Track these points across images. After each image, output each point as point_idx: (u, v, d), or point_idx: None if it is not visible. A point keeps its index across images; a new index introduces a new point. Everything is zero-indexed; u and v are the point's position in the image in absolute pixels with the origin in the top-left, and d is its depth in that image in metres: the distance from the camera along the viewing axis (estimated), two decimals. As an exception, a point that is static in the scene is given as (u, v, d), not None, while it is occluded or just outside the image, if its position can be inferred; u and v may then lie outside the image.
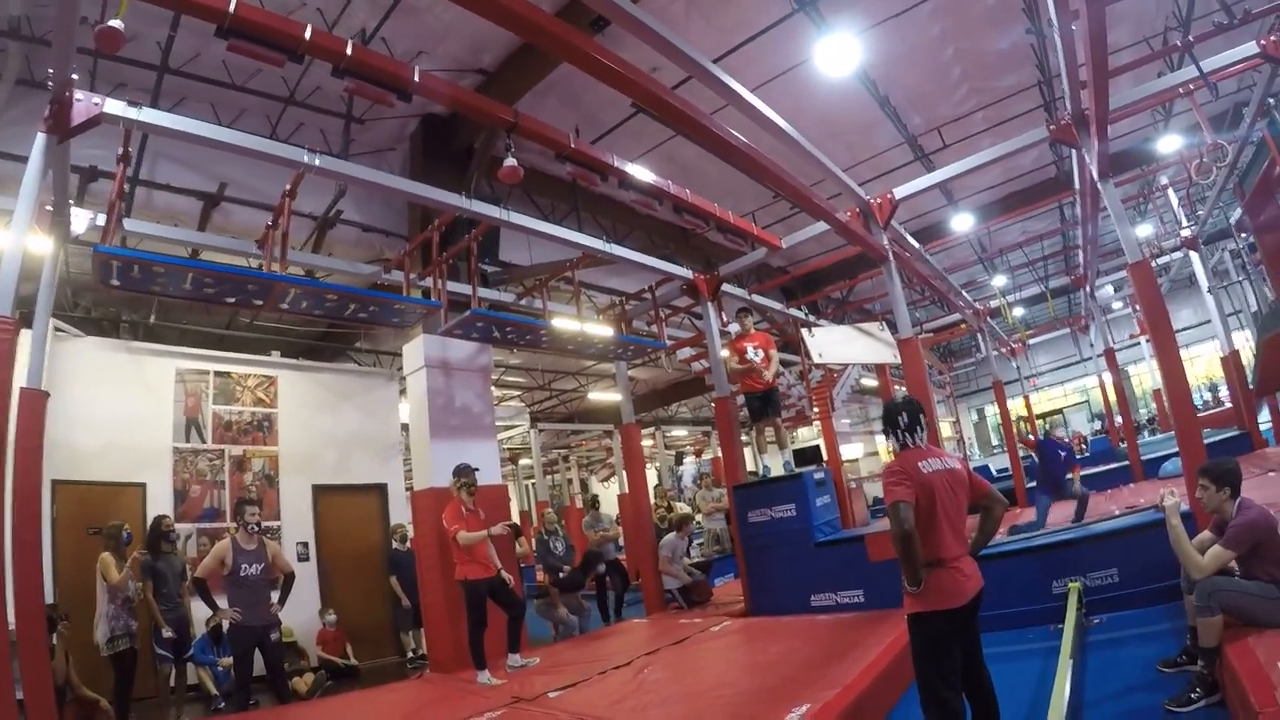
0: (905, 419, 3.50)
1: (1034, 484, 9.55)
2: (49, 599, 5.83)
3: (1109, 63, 5.29)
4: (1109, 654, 5.05)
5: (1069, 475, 8.59)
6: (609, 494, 21.83)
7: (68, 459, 7.64)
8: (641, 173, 6.89)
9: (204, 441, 9.10)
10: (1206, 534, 4.24)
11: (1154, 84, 7.20)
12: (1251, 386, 11.45)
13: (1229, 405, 14.25)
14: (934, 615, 3.21)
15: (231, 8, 4.20)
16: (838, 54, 8.48)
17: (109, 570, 6.45)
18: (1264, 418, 12.27)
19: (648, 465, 20.49)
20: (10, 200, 4.72)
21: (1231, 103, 10.94)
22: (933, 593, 3.20)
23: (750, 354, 8.28)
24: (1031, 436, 12.15)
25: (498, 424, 10.55)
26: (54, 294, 5.78)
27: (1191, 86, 6.95)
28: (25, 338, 4.78)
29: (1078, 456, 9.23)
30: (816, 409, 14.16)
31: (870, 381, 16.97)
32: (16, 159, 6.31)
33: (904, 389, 9.62)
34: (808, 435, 18.96)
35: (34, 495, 4.74)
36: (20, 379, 4.75)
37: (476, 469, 6.83)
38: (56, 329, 7.80)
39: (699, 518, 13.11)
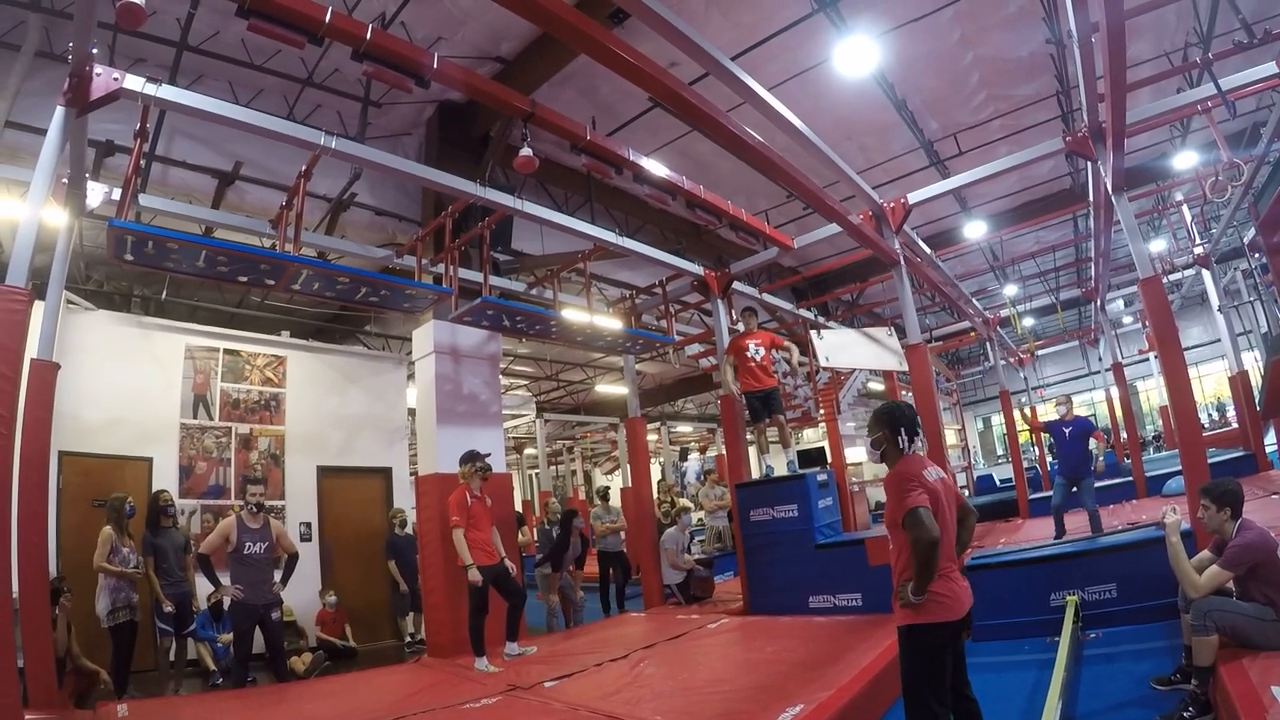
0: (910, 420, 3.42)
1: (1036, 496, 9.51)
2: (53, 570, 5.87)
3: (1128, 76, 5.27)
4: (1103, 669, 5.06)
5: (1094, 447, 8.40)
6: (612, 487, 21.87)
7: (75, 431, 7.69)
8: (656, 167, 6.88)
9: (211, 419, 9.15)
10: (1206, 553, 4.23)
11: (1172, 100, 7.16)
12: (1259, 408, 11.38)
13: (1235, 426, 14.15)
14: (933, 627, 3.14)
15: (253, -12, 4.21)
16: (856, 56, 8.45)
17: (100, 548, 6.51)
18: (1270, 440, 12.20)
19: (652, 460, 20.49)
20: (28, 172, 4.76)
21: (1250, 122, 10.85)
22: (933, 605, 3.13)
23: (751, 351, 8.25)
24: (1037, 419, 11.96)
25: (504, 412, 10.57)
26: (67, 266, 5.84)
27: (1210, 104, 6.90)
28: (38, 309, 4.80)
29: (1098, 461, 8.93)
30: (822, 411, 14.14)
31: (877, 385, 16.93)
32: (35, 131, 6.34)
33: (910, 394, 9.62)
34: (812, 437, 18.97)
35: (41, 465, 4.79)
36: (31, 350, 4.80)
37: (488, 454, 6.87)
38: (69, 301, 7.85)
39: (701, 514, 13.14)
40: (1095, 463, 8.43)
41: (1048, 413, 9.26)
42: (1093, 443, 8.45)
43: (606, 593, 10.05)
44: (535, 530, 12.01)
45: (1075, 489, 8.29)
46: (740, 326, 8.72)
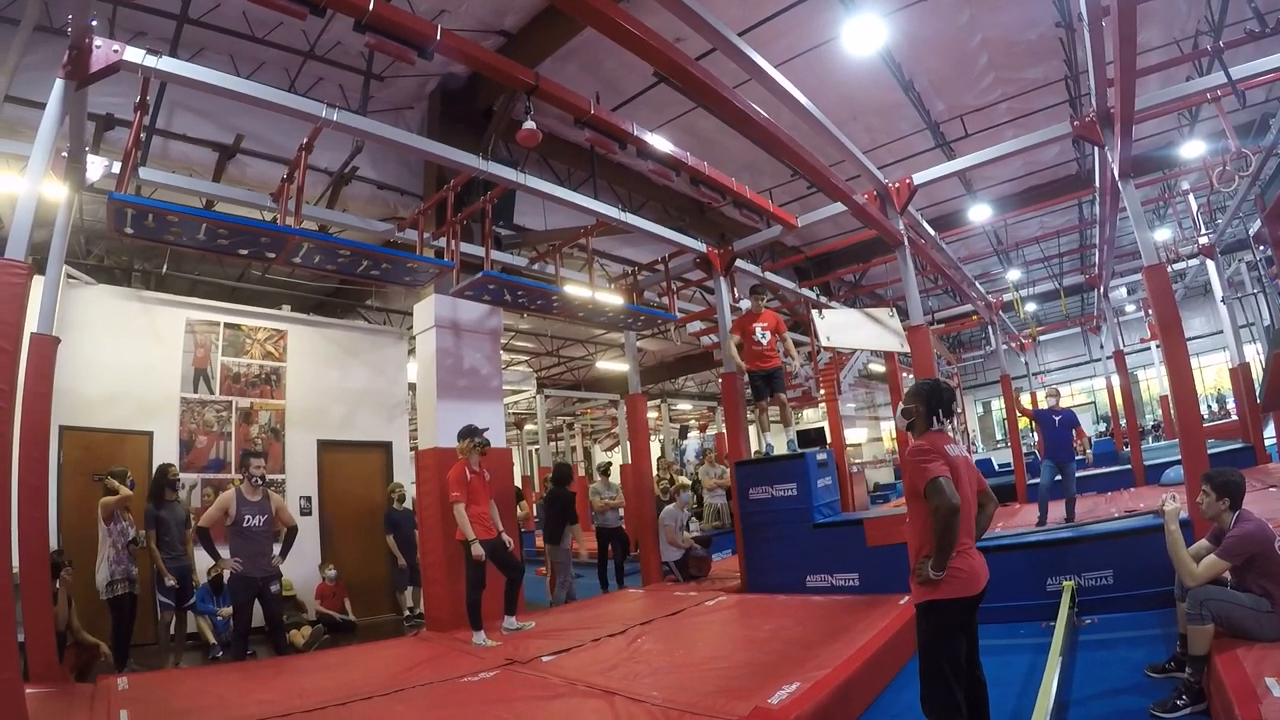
0: (946, 403, 3.48)
1: (1035, 481, 9.62)
2: (53, 544, 5.91)
3: (1137, 62, 5.21)
4: (1098, 655, 5.08)
5: (1074, 441, 8.86)
6: (613, 464, 21.91)
7: (75, 406, 7.71)
8: (660, 142, 6.85)
9: (212, 393, 9.15)
10: (1203, 543, 4.24)
11: (1181, 87, 7.10)
12: (1259, 400, 11.38)
13: (1235, 417, 14.16)
14: (950, 603, 3.18)
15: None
16: (864, 35, 8.34)
17: (107, 502, 6.55)
18: (1269, 432, 12.20)
19: (652, 437, 20.53)
20: (27, 146, 4.73)
21: (1259, 112, 10.76)
22: (951, 580, 3.16)
23: (758, 334, 8.24)
24: (1030, 407, 12.34)
25: (504, 388, 10.58)
26: (67, 241, 5.82)
27: (1219, 93, 6.84)
28: (38, 283, 4.78)
29: (1085, 454, 9.38)
30: (823, 391, 14.15)
31: (878, 367, 16.93)
32: (34, 105, 6.28)
33: (912, 377, 9.64)
34: (812, 417, 19.00)
35: (42, 440, 4.80)
36: (32, 324, 4.79)
37: (486, 428, 6.88)
38: (69, 276, 7.84)
39: (704, 494, 13.18)
40: (1081, 454, 8.85)
41: (1046, 400, 9.61)
42: (1074, 437, 8.99)
43: (605, 569, 10.10)
44: (534, 505, 12.03)
45: (1059, 475, 8.75)
46: (744, 305, 8.69)
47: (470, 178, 6.93)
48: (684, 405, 26.12)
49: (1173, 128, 11.80)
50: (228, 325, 9.45)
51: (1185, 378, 6.04)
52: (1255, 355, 13.28)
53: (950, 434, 3.50)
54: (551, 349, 19.42)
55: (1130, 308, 20.38)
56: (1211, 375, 22.69)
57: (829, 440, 12.85)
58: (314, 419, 9.95)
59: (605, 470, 11.07)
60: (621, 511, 10.27)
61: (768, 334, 8.23)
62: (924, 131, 11.29)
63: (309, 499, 9.64)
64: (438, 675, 5.23)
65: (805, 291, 13.17)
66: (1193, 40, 8.97)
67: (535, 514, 11.27)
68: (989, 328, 16.18)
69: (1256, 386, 11.73)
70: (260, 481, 6.36)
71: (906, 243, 7.83)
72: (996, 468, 17.52)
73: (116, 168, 5.51)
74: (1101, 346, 19.58)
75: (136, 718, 4.29)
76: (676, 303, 10.13)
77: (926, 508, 3.20)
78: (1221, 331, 13.47)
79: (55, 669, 5.00)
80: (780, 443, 8.89)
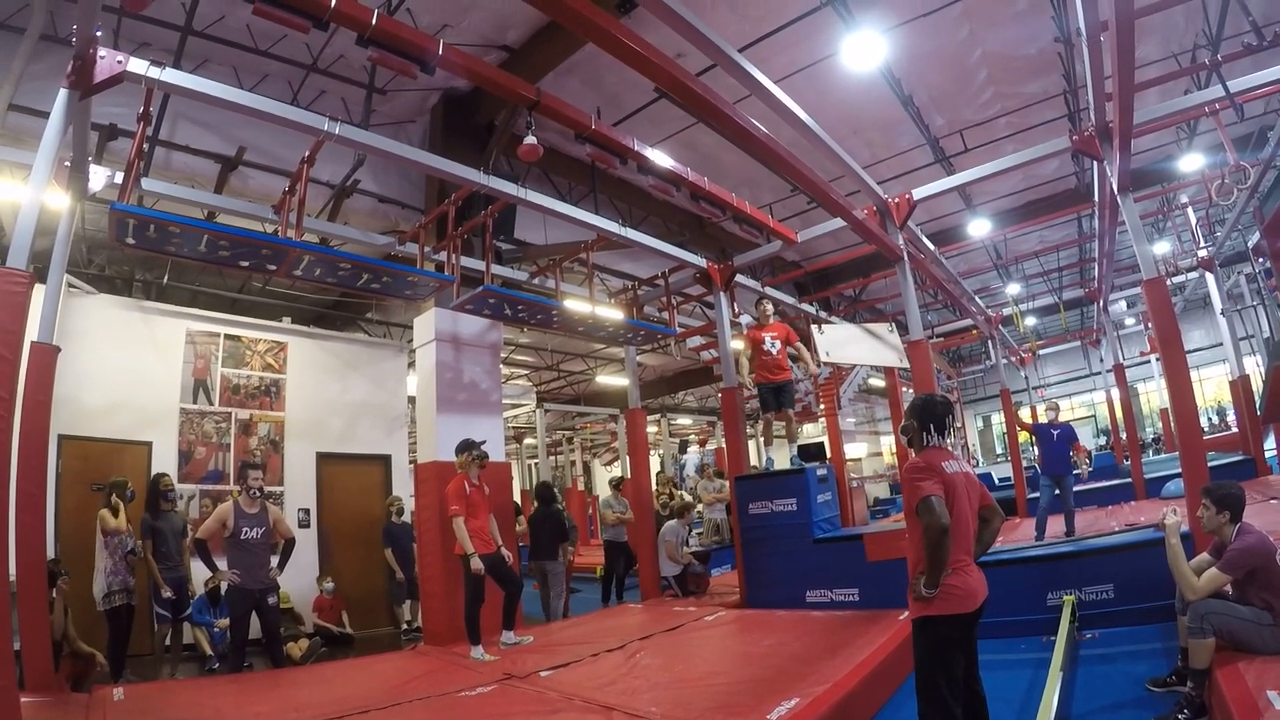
0: (939, 417, 3.48)
1: (1035, 495, 9.63)
2: (50, 553, 5.88)
3: (1135, 76, 5.24)
4: (1099, 669, 5.06)
5: (1072, 455, 8.89)
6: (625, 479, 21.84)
7: (75, 415, 7.68)
8: (660, 158, 6.88)
9: (211, 403, 9.14)
10: (1204, 556, 4.23)
11: (1180, 101, 7.14)
12: (1259, 412, 11.36)
13: (1235, 430, 14.13)
14: (945, 620, 3.18)
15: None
16: (863, 51, 8.39)
17: (107, 521, 6.52)
18: (1269, 445, 12.18)
19: (651, 452, 20.49)
20: (30, 155, 4.73)
21: (1257, 125, 10.81)
22: (945, 597, 3.17)
23: (767, 344, 8.22)
24: (1029, 421, 12.38)
25: (504, 402, 10.57)
26: (69, 250, 5.82)
27: (1217, 106, 6.88)
28: (39, 292, 4.78)
29: (1081, 469, 9.39)
30: (823, 405, 14.13)
31: (878, 382, 16.91)
32: (38, 114, 6.31)
33: (912, 391, 9.64)
34: (812, 431, 18.96)
35: (40, 449, 4.79)
36: (32, 333, 4.79)
37: (483, 441, 6.87)
38: (70, 285, 7.83)
39: (699, 507, 13.16)
40: (1079, 468, 8.90)
41: (1046, 415, 9.65)
42: (1072, 452, 9.06)
43: (609, 583, 10.06)
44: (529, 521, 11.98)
45: (1058, 490, 8.77)
46: (744, 320, 8.68)
47: (471, 192, 6.95)
48: (684, 420, 26.10)
49: (1171, 141, 11.85)
50: (228, 336, 9.45)
51: (1185, 391, 6.03)
52: (1255, 367, 13.25)
53: (950, 449, 3.50)
54: (551, 363, 19.42)
55: (1130, 321, 20.40)
56: (1211, 388, 22.66)
57: (829, 455, 12.82)
58: (313, 431, 9.92)
59: (618, 485, 11.06)
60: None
61: (777, 343, 8.23)
62: (923, 146, 11.34)
63: (307, 511, 9.61)
64: (435, 689, 5.20)
65: (805, 306, 13.17)
66: (1191, 54, 9.02)
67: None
68: (989, 342, 16.18)
69: (1256, 399, 11.73)
70: (258, 493, 6.36)
71: (906, 257, 7.84)
72: (997, 482, 17.49)
73: (119, 178, 5.54)
74: (1101, 360, 19.56)
75: (131, 729, 4.27)
76: (676, 318, 10.13)
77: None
78: (1221, 344, 13.46)
79: (51, 678, 4.97)
80: (782, 457, 8.86)
